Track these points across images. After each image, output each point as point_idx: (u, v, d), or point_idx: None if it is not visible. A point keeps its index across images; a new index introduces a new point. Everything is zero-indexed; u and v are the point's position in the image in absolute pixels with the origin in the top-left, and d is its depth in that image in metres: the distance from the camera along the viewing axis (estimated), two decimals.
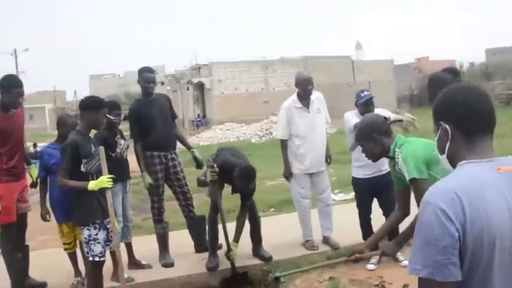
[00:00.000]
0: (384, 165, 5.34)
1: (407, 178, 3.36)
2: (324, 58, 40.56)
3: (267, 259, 5.51)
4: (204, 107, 42.48)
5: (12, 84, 4.71)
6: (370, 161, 5.05)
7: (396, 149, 3.46)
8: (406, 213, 3.77)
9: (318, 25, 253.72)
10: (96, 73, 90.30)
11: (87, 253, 4.35)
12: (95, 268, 4.39)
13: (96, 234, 4.30)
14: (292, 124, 5.85)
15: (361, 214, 5.63)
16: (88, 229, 4.30)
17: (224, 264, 5.37)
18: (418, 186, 3.30)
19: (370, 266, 5.43)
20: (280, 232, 6.34)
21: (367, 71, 41.62)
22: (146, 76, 5.68)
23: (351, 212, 6.58)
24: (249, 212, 5.57)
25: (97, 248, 4.31)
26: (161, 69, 78.04)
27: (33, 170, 5.25)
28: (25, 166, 5.11)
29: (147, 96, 5.75)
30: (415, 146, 3.43)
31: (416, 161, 3.34)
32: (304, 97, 5.89)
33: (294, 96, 5.96)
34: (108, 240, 4.44)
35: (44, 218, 5.12)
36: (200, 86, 41.57)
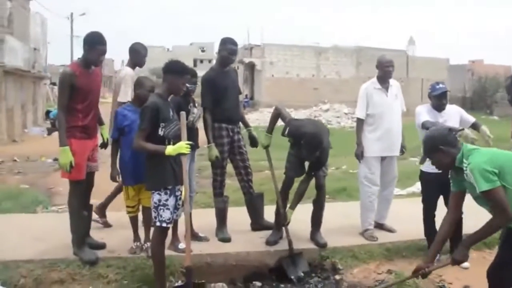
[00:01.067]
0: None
1: (478, 191, 3.37)
2: (378, 50, 39.83)
3: (321, 245, 5.42)
4: (252, 88, 42.43)
5: (96, 41, 4.71)
6: None
7: (464, 160, 3.48)
8: (458, 216, 3.87)
9: (371, 16, 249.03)
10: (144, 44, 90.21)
11: (155, 217, 4.32)
12: (161, 233, 4.37)
13: (166, 200, 4.27)
14: (370, 104, 5.77)
15: (426, 209, 5.46)
16: (159, 193, 4.28)
17: (284, 245, 5.32)
18: (494, 196, 3.35)
19: None
20: (336, 219, 6.20)
21: (420, 68, 40.74)
22: (230, 48, 5.64)
23: (407, 207, 6.49)
24: (317, 194, 5.51)
25: (166, 214, 4.28)
26: (210, 46, 77.98)
27: (104, 131, 5.28)
28: (97, 126, 5.14)
29: (223, 67, 5.70)
30: (482, 158, 3.43)
31: (483, 172, 3.34)
32: (384, 80, 5.83)
33: (374, 79, 5.89)
34: (175, 208, 4.42)
35: (114, 178, 5.12)
36: (251, 67, 41.52)
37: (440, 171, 5.23)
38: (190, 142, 4.25)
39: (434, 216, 5.38)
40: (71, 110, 4.66)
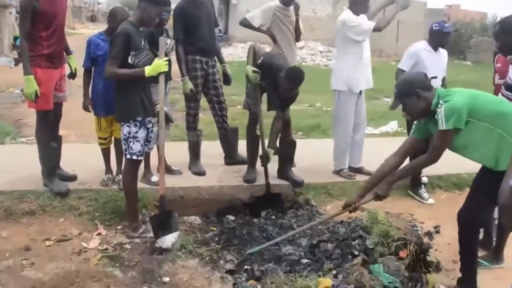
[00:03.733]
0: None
1: (440, 127, 3.33)
2: None
3: (299, 184, 5.38)
4: (227, 23, 41.51)
5: None
6: None
7: (440, 101, 3.39)
8: (401, 162, 3.80)
9: None
10: None
11: (125, 150, 4.23)
12: (132, 166, 4.29)
13: (136, 132, 4.16)
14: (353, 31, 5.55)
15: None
16: (128, 125, 4.16)
17: (259, 181, 5.31)
18: (445, 136, 3.37)
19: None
20: (309, 156, 6.19)
21: None
22: None
23: (380, 146, 6.49)
24: (283, 131, 5.39)
25: (136, 147, 4.18)
26: None
27: (72, 60, 5.05)
28: (65, 55, 4.90)
29: None
30: (460, 96, 3.38)
31: (460, 111, 3.30)
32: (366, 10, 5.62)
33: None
34: (147, 140, 4.32)
35: (86, 108, 4.94)
36: (226, 1, 40.47)
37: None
38: (168, 58, 4.17)
39: None
40: (35, 37, 4.43)
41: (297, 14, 5.85)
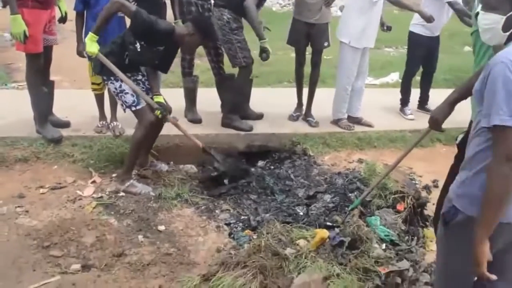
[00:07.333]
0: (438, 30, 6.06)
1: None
2: None
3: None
4: None
5: None
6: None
7: None
8: None
9: None
10: None
11: (122, 105, 4.13)
12: (138, 118, 4.13)
13: (120, 86, 4.01)
14: None
15: (410, 68, 6.29)
16: (111, 82, 4.02)
17: (256, 130, 5.27)
18: None
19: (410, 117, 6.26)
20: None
21: None
22: None
23: (380, 98, 6.46)
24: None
25: (128, 98, 4.03)
26: None
27: (62, 3, 4.84)
28: None
29: None
30: None
31: None
32: None
33: None
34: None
35: (80, 53, 4.73)
36: None
37: (427, 35, 5.95)
38: None
39: (413, 76, 6.37)
40: None
41: None
